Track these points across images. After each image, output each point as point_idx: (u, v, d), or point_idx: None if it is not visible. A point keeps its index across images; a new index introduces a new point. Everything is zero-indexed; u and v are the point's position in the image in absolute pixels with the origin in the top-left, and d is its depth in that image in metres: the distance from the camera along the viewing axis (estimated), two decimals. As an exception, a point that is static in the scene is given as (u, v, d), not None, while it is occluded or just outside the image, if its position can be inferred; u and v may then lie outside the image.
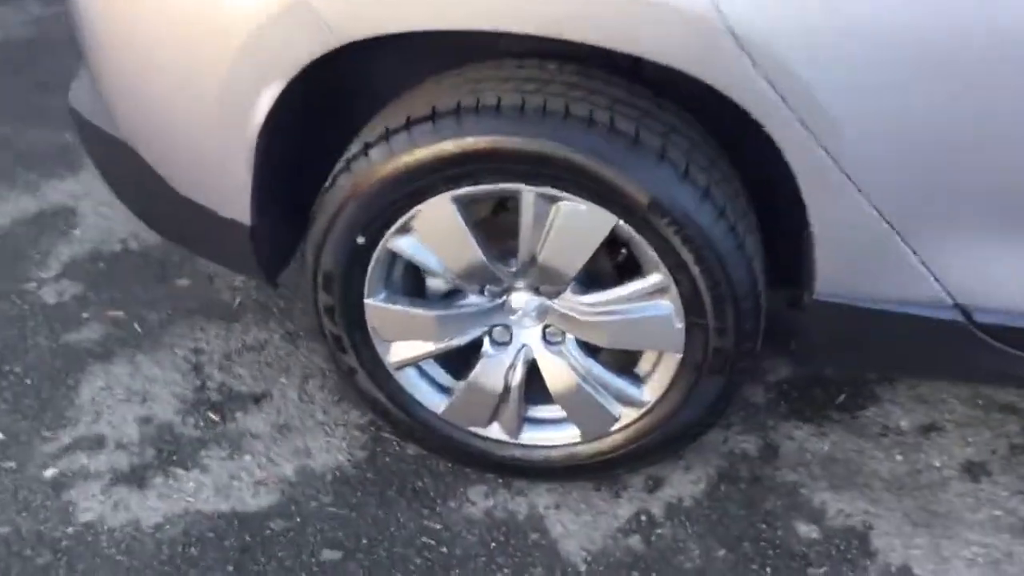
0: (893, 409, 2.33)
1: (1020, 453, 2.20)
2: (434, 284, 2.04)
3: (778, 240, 1.88)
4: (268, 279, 2.09)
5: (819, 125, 1.57)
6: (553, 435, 2.11)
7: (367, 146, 1.81)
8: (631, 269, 1.91)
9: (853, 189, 1.63)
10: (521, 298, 1.96)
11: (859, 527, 2.09)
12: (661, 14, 1.54)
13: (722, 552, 2.06)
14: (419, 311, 1.99)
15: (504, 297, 1.97)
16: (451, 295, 2.03)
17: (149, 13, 1.82)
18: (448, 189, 1.79)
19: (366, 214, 1.85)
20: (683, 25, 1.54)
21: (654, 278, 1.83)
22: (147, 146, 2.01)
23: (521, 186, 1.76)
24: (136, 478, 2.25)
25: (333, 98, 1.93)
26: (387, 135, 1.78)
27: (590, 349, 2.01)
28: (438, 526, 2.14)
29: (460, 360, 2.11)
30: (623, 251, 1.89)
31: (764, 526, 2.11)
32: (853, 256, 1.72)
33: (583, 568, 2.05)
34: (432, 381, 2.11)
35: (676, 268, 1.79)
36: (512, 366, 2.02)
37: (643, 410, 2.01)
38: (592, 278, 1.92)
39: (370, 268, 1.93)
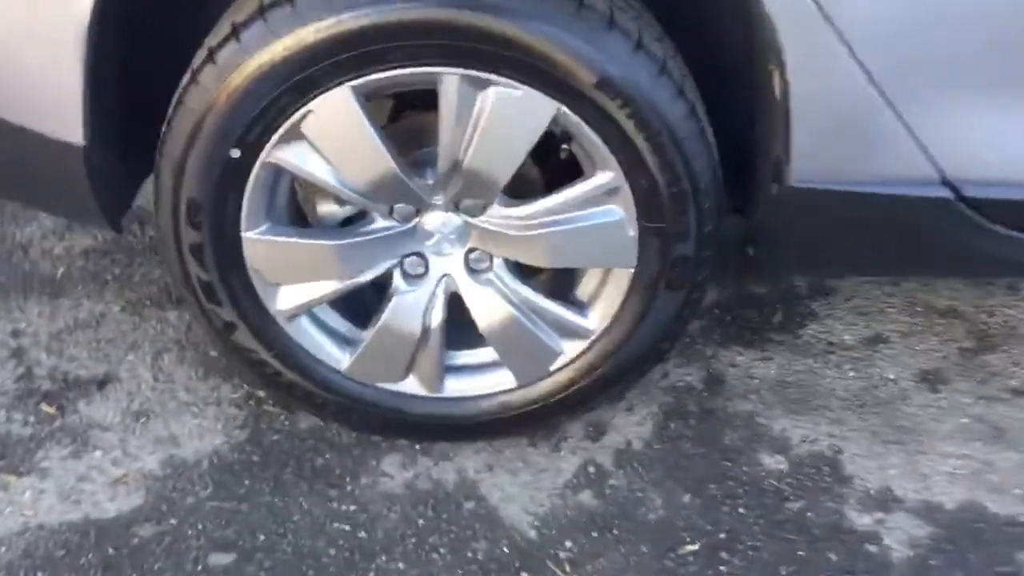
0: (833, 324, 2.13)
1: (971, 357, 2.05)
2: (327, 210, 1.66)
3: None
4: (109, 220, 1.64)
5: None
6: (482, 383, 1.77)
7: (236, 28, 1.41)
8: (562, 176, 1.61)
9: (840, 45, 1.38)
10: (437, 218, 1.61)
11: (827, 452, 1.88)
12: None
13: (687, 497, 1.80)
14: (313, 241, 1.61)
15: (417, 219, 1.62)
16: (349, 223, 1.66)
17: None
18: (346, 79, 1.42)
19: (240, 119, 1.45)
20: None
21: (603, 177, 1.53)
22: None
23: (440, 69, 1.42)
24: (-50, 495, 1.77)
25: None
26: (263, 10, 1.40)
27: (522, 273, 1.69)
28: (351, 507, 1.77)
29: (362, 306, 1.75)
30: (561, 151, 1.57)
31: (727, 463, 1.86)
32: (834, 130, 1.48)
33: (532, 534, 1.73)
34: (332, 332, 1.74)
35: (629, 162, 1.50)
36: (430, 303, 1.68)
37: (588, 342, 1.71)
38: (518, 190, 1.61)
39: (248, 191, 1.53)
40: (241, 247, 1.58)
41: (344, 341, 1.74)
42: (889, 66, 1.41)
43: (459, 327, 1.74)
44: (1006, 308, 2.15)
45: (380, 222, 1.61)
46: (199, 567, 1.67)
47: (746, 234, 1.70)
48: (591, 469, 1.84)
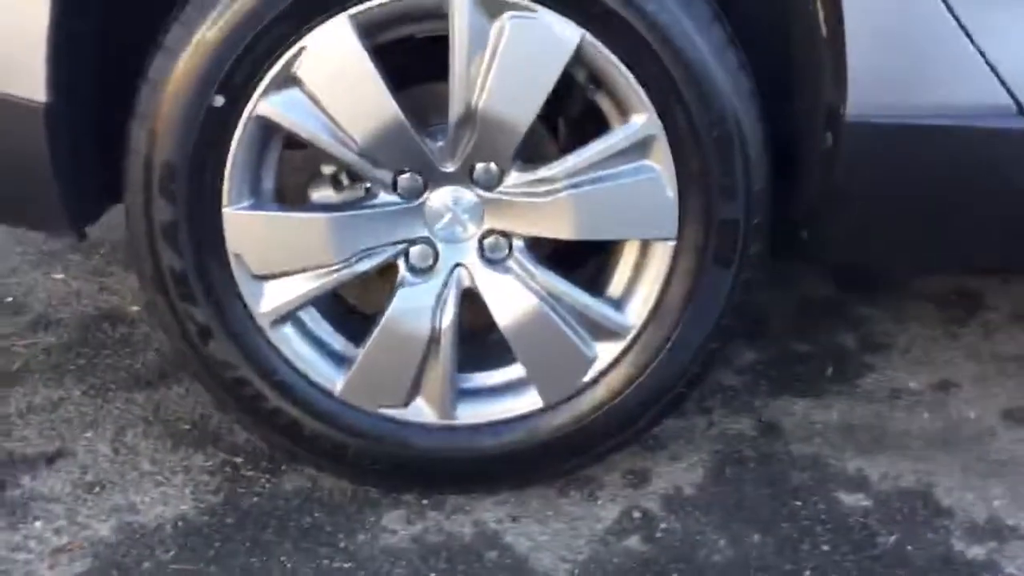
0: (894, 374, 1.88)
1: (1057, 396, 1.80)
2: (321, 196, 1.46)
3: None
4: (70, 217, 1.42)
5: None
6: (501, 407, 1.49)
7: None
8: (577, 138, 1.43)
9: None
10: (448, 194, 1.41)
11: (917, 487, 1.57)
12: None
13: (756, 537, 1.47)
14: (307, 216, 1.40)
15: (425, 195, 1.42)
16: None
17: None
18: (344, 6, 1.27)
19: (226, 57, 1.29)
20: None
21: (635, 121, 1.35)
22: None
23: (450, -11, 1.28)
24: None
25: None
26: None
27: (547, 259, 1.47)
28: (346, 564, 1.44)
29: (359, 326, 1.51)
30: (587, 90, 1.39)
31: (798, 503, 1.55)
32: (895, 55, 1.32)
33: (573, 583, 1.40)
34: (324, 346, 1.48)
35: (664, 99, 1.33)
36: (440, 299, 1.44)
37: (626, 342, 1.46)
38: (534, 159, 1.42)
39: (231, 153, 1.34)
40: (221, 226, 1.37)
41: (338, 359, 1.48)
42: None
43: (473, 347, 1.50)
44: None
45: (383, 196, 1.40)
46: (154, 634, 1.32)
47: (797, 215, 1.49)
48: (636, 515, 1.53)
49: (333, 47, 1.29)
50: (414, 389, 1.47)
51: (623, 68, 1.32)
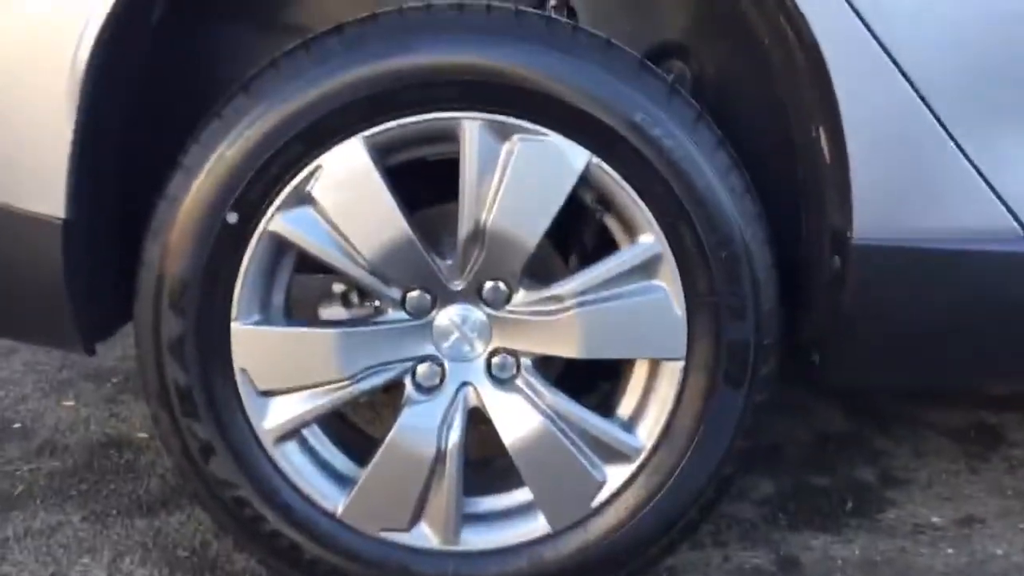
0: (916, 509, 1.82)
1: (1086, 533, 1.73)
2: (330, 314, 1.47)
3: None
4: (81, 333, 1.43)
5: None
6: (506, 534, 1.45)
7: (246, 82, 1.33)
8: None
9: (895, 72, 1.29)
10: (455, 313, 1.41)
11: (944, 625, 1.50)
12: None
13: (777, 676, 1.40)
14: (315, 332, 1.40)
15: (433, 313, 1.42)
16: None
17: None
18: (359, 128, 1.31)
19: (242, 175, 1.32)
20: None
21: (642, 242, 1.36)
22: None
23: (461, 114, 1.31)
24: None
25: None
26: (274, 60, 1.32)
27: (556, 382, 1.45)
28: None
29: (360, 444, 1.49)
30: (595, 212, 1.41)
31: (819, 643, 1.48)
32: (900, 180, 1.34)
33: None
34: (326, 466, 1.45)
35: (671, 220, 1.34)
36: (447, 418, 1.42)
37: (636, 465, 1.42)
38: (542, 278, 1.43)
39: (243, 270, 1.35)
40: (228, 341, 1.37)
41: (341, 479, 1.45)
42: (949, 98, 1.30)
43: (476, 471, 1.47)
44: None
45: (391, 314, 1.41)
46: None
47: (807, 339, 1.48)
48: (649, 650, 1.46)
49: (347, 167, 1.33)
50: (417, 512, 1.44)
51: (630, 190, 1.34)
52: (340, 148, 1.32)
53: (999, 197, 1.33)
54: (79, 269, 1.39)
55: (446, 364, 1.43)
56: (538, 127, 1.32)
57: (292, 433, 1.42)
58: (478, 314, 1.41)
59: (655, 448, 1.42)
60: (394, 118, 1.31)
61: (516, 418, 1.42)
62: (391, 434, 1.41)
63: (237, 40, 1.50)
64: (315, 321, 1.45)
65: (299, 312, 1.50)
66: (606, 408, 1.47)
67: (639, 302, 1.38)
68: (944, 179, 1.33)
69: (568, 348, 1.40)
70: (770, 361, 1.40)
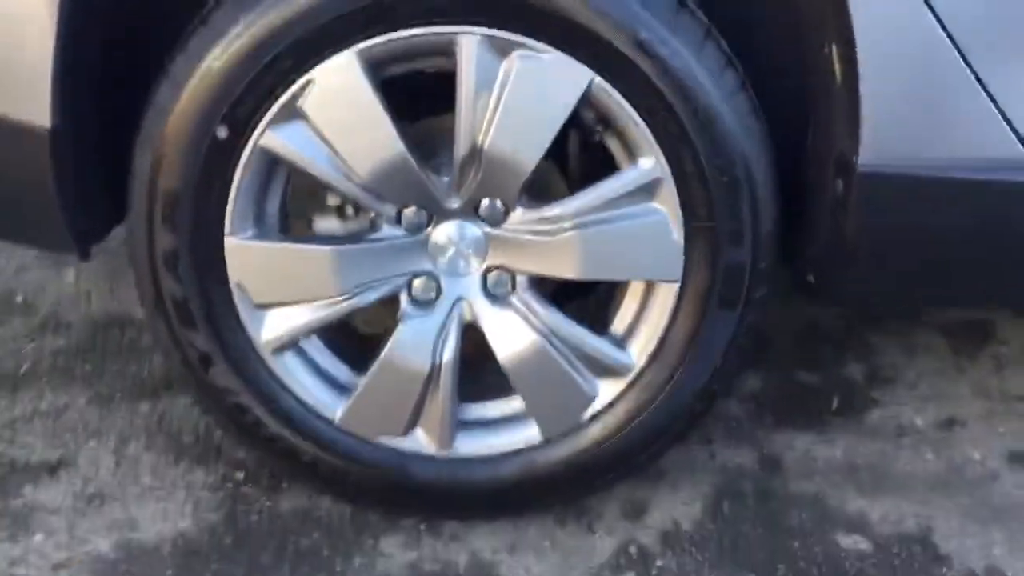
0: (900, 409, 1.86)
1: (1064, 437, 1.78)
2: (325, 227, 1.46)
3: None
4: (74, 237, 1.42)
5: None
6: (500, 440, 1.50)
7: (231, -10, 1.27)
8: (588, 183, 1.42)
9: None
10: (451, 229, 1.40)
11: (915, 531, 1.57)
12: None
13: (751, 578, 1.48)
14: (309, 247, 1.40)
15: (429, 229, 1.41)
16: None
17: None
18: (352, 41, 1.27)
19: (231, 88, 1.28)
20: None
21: (642, 165, 1.34)
22: None
23: (459, 29, 1.27)
24: None
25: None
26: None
27: (550, 298, 1.46)
28: (341, 590, 1.45)
29: (358, 350, 1.51)
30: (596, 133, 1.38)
31: (795, 543, 1.54)
32: (910, 104, 1.30)
33: (565, 620, 1.40)
34: (324, 375, 1.48)
35: (672, 143, 1.31)
36: (442, 333, 1.44)
37: (627, 381, 1.45)
38: (540, 197, 1.41)
39: (235, 185, 1.34)
40: (223, 255, 1.37)
41: (339, 387, 1.48)
42: (973, 28, 1.25)
43: (472, 377, 1.50)
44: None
45: (387, 230, 1.40)
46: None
47: (804, 258, 1.48)
48: (632, 549, 1.53)
49: (339, 82, 1.29)
50: (413, 420, 1.47)
51: (632, 111, 1.30)
52: (333, 61, 1.28)
53: (1012, 128, 1.30)
54: (69, 176, 1.37)
55: (442, 280, 1.43)
56: (539, 44, 1.27)
57: (289, 344, 1.44)
58: (475, 231, 1.40)
59: (647, 365, 1.44)
60: (389, 31, 1.26)
61: (510, 334, 1.44)
62: (387, 347, 1.43)
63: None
64: (310, 238, 1.44)
65: (294, 221, 1.49)
66: (600, 323, 1.49)
67: (637, 224, 1.36)
68: (957, 107, 1.29)
69: (565, 268, 1.39)
70: (765, 284, 1.41)
